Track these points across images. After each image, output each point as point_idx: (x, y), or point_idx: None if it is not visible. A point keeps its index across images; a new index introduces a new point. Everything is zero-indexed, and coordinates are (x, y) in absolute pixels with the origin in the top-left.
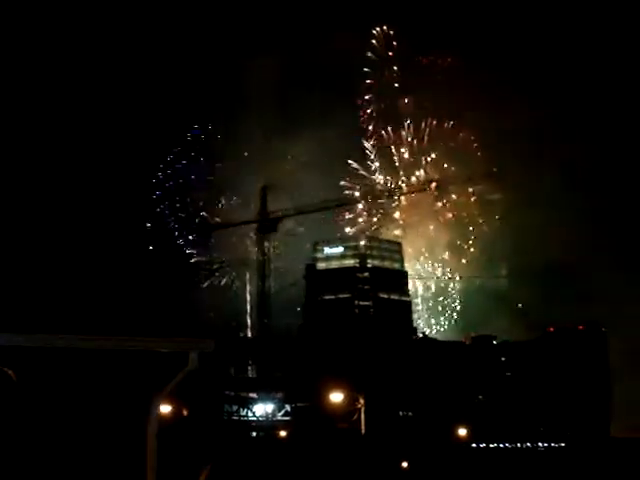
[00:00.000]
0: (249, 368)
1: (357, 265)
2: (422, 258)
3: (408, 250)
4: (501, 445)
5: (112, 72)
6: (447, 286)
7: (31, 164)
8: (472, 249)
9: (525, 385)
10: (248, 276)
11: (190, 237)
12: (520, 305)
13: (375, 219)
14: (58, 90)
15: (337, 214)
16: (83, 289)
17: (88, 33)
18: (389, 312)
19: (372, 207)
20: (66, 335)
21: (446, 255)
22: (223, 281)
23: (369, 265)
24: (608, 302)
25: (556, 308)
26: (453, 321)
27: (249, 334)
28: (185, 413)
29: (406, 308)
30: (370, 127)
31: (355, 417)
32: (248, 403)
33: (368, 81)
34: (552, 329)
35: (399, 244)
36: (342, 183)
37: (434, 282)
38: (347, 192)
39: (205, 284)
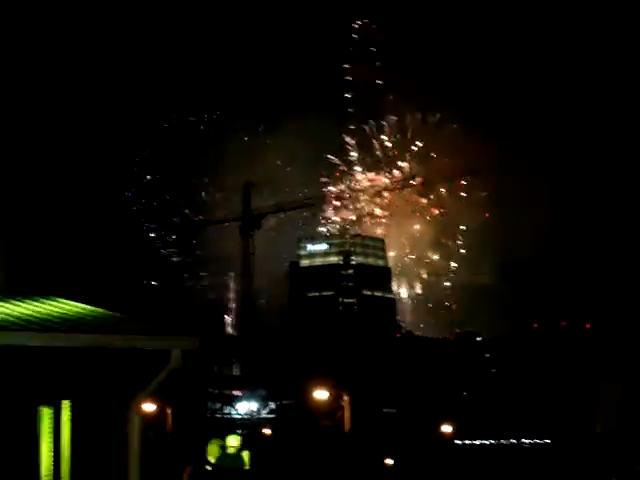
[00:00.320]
0: (233, 366)
1: (341, 262)
2: (406, 256)
3: (392, 246)
4: (486, 442)
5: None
6: (432, 283)
7: None
8: (457, 245)
9: (510, 381)
10: (232, 274)
11: (173, 235)
12: (504, 301)
13: (357, 216)
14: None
15: (320, 210)
16: (61, 285)
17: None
18: (373, 309)
19: (356, 203)
20: (43, 333)
21: (430, 252)
22: (206, 279)
23: (353, 262)
24: (592, 298)
25: (540, 304)
26: (437, 317)
27: (233, 332)
28: (168, 411)
29: (390, 305)
30: (352, 124)
31: (339, 414)
32: (232, 401)
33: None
34: (536, 325)
35: (383, 241)
36: (323, 180)
37: (418, 279)
38: (329, 189)
39: (188, 281)
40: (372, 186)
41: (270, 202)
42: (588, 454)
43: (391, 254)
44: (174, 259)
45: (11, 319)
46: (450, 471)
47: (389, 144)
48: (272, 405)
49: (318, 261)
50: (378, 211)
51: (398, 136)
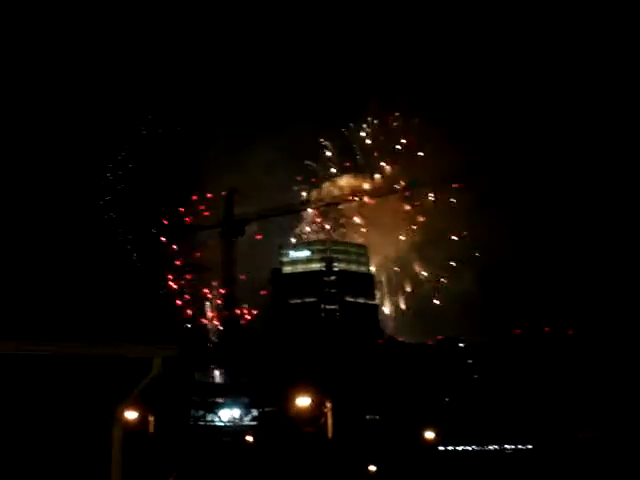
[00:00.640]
0: (215, 373)
1: (323, 269)
2: (388, 261)
3: (374, 253)
4: (468, 448)
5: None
6: (414, 289)
7: None
8: (438, 250)
9: (492, 387)
10: (215, 283)
11: (154, 242)
12: (486, 307)
13: (337, 224)
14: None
15: (301, 218)
16: (44, 295)
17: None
18: (355, 315)
19: (337, 210)
20: (27, 342)
21: (412, 257)
22: (188, 285)
23: (335, 269)
24: (575, 304)
25: (522, 310)
26: (420, 323)
27: (215, 339)
28: (151, 419)
29: (372, 311)
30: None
31: (322, 421)
32: (215, 408)
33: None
34: (519, 331)
35: (365, 247)
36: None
37: (401, 284)
38: (308, 195)
39: (170, 289)
40: (353, 192)
41: (252, 209)
42: (570, 460)
43: (372, 268)
44: (154, 267)
45: None
46: (433, 477)
47: (371, 148)
48: (255, 412)
49: (300, 268)
50: (357, 219)
51: (382, 138)
